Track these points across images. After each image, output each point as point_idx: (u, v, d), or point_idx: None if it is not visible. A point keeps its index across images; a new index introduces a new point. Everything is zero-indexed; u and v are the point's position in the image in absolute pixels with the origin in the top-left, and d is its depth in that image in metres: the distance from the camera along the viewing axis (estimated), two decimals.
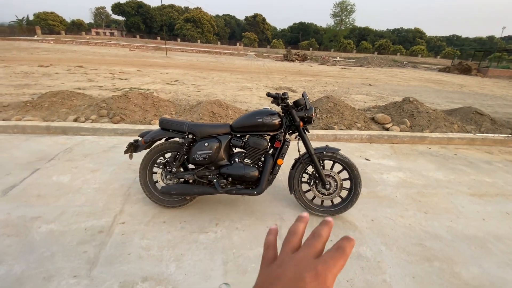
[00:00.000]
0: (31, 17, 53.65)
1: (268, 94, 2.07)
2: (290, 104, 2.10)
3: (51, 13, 52.92)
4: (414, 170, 3.40)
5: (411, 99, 6.01)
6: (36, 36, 35.85)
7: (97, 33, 55.51)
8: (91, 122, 4.33)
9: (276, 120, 2.08)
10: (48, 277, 1.56)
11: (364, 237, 2.09)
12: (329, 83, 12.12)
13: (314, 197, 2.33)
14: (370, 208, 2.50)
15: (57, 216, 2.10)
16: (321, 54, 43.56)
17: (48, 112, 4.55)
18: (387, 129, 5.13)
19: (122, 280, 1.58)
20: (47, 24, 49.29)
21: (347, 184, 2.30)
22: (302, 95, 2.17)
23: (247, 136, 2.16)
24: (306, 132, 2.19)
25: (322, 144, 3.62)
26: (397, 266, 1.82)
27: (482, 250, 2.03)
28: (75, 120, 4.40)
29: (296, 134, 2.19)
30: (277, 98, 2.05)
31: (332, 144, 4.53)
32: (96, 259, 1.72)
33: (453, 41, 76.13)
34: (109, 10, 65.80)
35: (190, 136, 2.14)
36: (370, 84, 12.72)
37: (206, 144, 2.08)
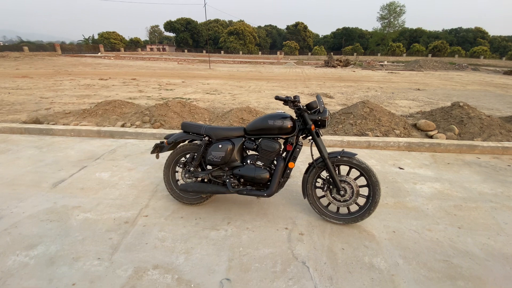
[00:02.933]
0: (96, 36, 61.79)
1: (277, 97, 2.11)
2: (302, 107, 2.10)
3: (113, 32, 60.41)
4: (454, 182, 3.06)
5: (461, 104, 5.41)
6: (99, 53, 41.26)
7: (151, 49, 61.46)
8: (135, 128, 4.82)
9: (288, 123, 2.10)
10: (77, 258, 1.80)
11: (380, 248, 1.95)
12: (372, 89, 11.55)
13: (330, 203, 2.26)
14: (394, 219, 2.32)
15: (94, 206, 2.40)
16: (366, 58, 41.62)
17: (101, 119, 5.21)
18: (430, 137, 4.69)
19: (137, 265, 1.75)
20: (109, 42, 56.36)
21: (365, 191, 2.18)
22: (316, 98, 2.15)
23: (260, 139, 2.22)
24: (320, 136, 2.15)
25: (352, 151, 3.47)
26: (413, 282, 1.66)
27: None
28: (122, 126, 4.94)
29: (310, 137, 2.17)
30: (287, 101, 2.07)
31: (364, 151, 4.32)
32: (118, 245, 1.93)
33: None
34: (162, 28, 72.48)
35: (206, 138, 2.28)
36: (418, 89, 11.77)
37: (220, 146, 2.19)
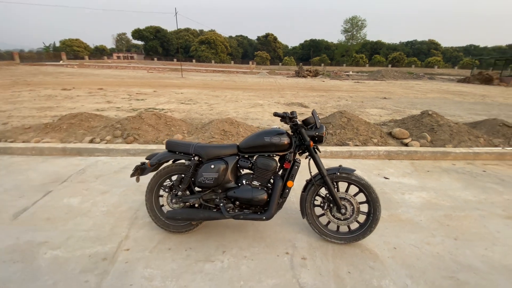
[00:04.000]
0: (58, 44, 57.86)
1: (275, 114, 2.00)
2: (299, 123, 2.01)
3: (76, 39, 56.98)
4: (438, 190, 3.15)
5: (430, 112, 5.75)
6: (61, 62, 38.59)
7: (118, 57, 58.89)
8: (106, 143, 4.40)
9: (285, 140, 1.99)
10: None
11: (386, 269, 1.88)
12: (342, 98, 11.98)
13: (329, 222, 2.16)
14: (392, 233, 2.29)
15: (64, 241, 2.06)
16: (333, 69, 43.65)
17: (66, 134, 4.70)
18: (405, 145, 4.89)
19: None
20: (72, 50, 52.98)
21: (364, 208, 2.12)
22: (312, 113, 2.08)
23: (255, 156, 2.08)
24: (318, 152, 2.07)
25: (336, 161, 3.45)
26: None
27: None
28: (91, 141, 4.49)
29: (307, 153, 2.07)
30: (285, 118, 1.97)
31: (347, 161, 4.36)
32: None
33: (471, 51, 73.67)
34: (129, 35, 69.95)
35: (196, 158, 2.08)
36: (385, 98, 12.45)
37: (212, 166, 2.00)
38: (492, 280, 1.80)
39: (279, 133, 2.01)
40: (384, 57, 61.25)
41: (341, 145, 4.75)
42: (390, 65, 53.09)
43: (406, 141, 5.00)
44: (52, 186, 2.96)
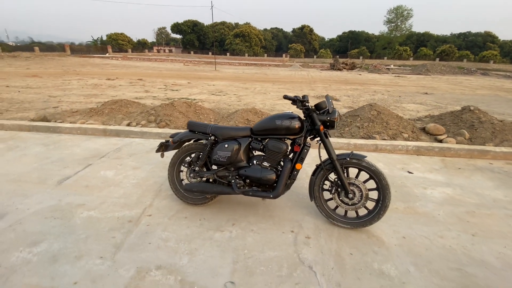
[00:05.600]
0: (104, 38, 62.83)
1: (285, 97, 2.06)
2: (310, 107, 2.06)
3: (121, 34, 61.47)
4: (466, 187, 2.97)
5: (471, 108, 5.30)
6: (107, 54, 42.00)
7: (158, 51, 62.13)
8: (141, 127, 4.82)
9: (296, 124, 2.05)
10: (79, 256, 1.77)
11: (390, 254, 1.88)
12: (378, 92, 11.43)
13: (337, 206, 2.20)
14: (404, 224, 2.25)
15: (98, 205, 2.39)
16: (373, 62, 41.37)
17: (107, 117, 5.22)
18: (440, 141, 4.59)
19: (139, 265, 1.71)
20: (117, 44, 57.33)
21: (374, 195, 2.12)
22: (325, 98, 2.11)
23: (267, 139, 2.18)
24: (328, 137, 2.10)
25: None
26: None
27: None
28: (128, 125, 4.94)
29: (318, 138, 2.12)
30: (296, 101, 2.03)
31: (372, 155, 4.24)
32: (121, 244, 1.90)
33: None
34: (169, 29, 73.25)
35: (212, 137, 2.24)
36: (426, 93, 11.60)
37: (226, 146, 2.15)
38: (504, 276, 1.71)
39: (290, 117, 2.08)
40: (432, 50, 56.31)
41: (367, 138, 4.62)
42: (438, 59, 48.70)
43: (441, 137, 4.70)
44: (92, 160, 3.37)
